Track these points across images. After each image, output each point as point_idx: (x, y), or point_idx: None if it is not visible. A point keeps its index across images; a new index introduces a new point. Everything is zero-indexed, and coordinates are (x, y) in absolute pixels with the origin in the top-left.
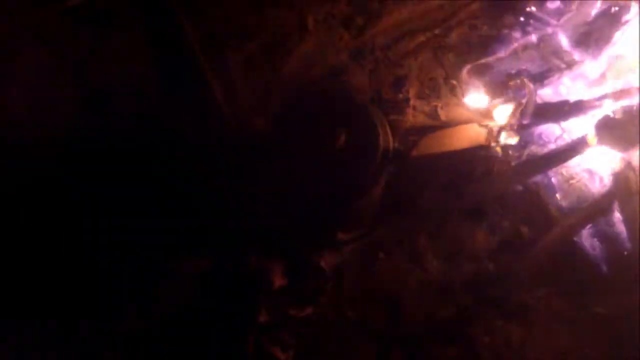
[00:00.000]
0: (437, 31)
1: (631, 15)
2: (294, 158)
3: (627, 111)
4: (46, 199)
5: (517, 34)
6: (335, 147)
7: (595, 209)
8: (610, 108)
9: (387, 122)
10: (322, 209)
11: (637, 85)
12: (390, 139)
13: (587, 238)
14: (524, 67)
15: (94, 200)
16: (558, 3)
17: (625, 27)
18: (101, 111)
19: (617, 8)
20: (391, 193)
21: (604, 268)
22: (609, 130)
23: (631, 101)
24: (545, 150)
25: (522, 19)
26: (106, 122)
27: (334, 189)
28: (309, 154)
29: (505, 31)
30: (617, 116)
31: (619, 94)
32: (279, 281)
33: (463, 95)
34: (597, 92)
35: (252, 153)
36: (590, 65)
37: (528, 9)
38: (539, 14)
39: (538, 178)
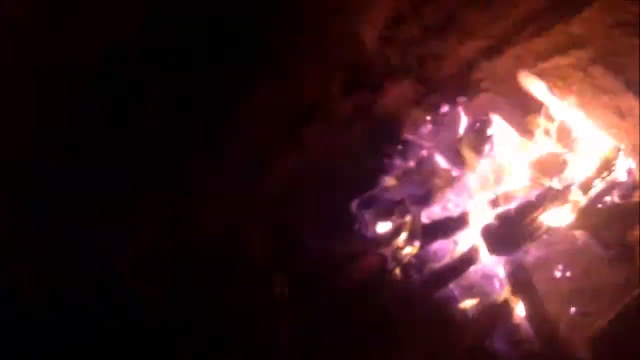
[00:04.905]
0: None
1: (493, 128)
2: None
3: (506, 216)
4: None
5: (397, 162)
6: None
7: (495, 311)
8: (491, 216)
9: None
10: None
11: (513, 190)
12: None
13: (499, 340)
14: (408, 192)
15: None
16: (430, 126)
17: (491, 139)
18: None
19: (479, 124)
20: None
21: None
22: (494, 237)
23: (508, 206)
24: (442, 265)
25: (399, 147)
26: None
27: None
28: None
29: (386, 161)
30: (498, 223)
31: (497, 201)
32: None
33: (356, 228)
34: (479, 201)
35: None
36: (468, 178)
37: (403, 137)
38: (414, 139)
39: (441, 292)
